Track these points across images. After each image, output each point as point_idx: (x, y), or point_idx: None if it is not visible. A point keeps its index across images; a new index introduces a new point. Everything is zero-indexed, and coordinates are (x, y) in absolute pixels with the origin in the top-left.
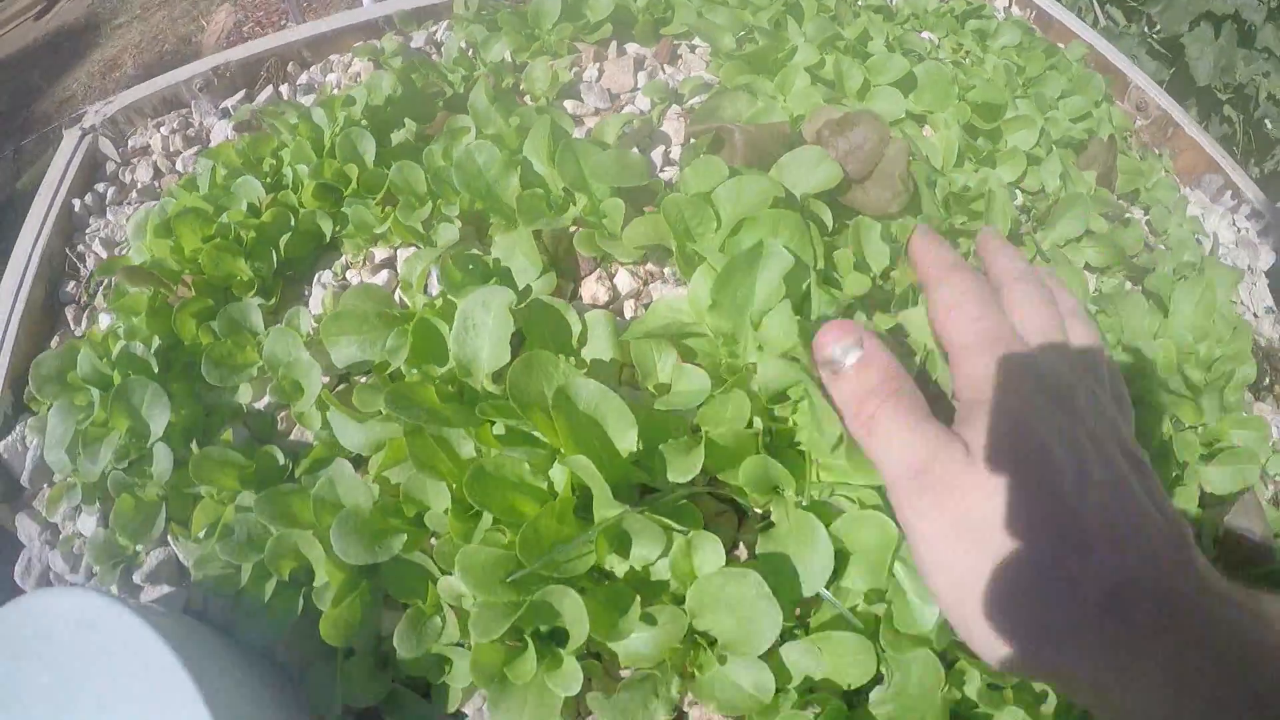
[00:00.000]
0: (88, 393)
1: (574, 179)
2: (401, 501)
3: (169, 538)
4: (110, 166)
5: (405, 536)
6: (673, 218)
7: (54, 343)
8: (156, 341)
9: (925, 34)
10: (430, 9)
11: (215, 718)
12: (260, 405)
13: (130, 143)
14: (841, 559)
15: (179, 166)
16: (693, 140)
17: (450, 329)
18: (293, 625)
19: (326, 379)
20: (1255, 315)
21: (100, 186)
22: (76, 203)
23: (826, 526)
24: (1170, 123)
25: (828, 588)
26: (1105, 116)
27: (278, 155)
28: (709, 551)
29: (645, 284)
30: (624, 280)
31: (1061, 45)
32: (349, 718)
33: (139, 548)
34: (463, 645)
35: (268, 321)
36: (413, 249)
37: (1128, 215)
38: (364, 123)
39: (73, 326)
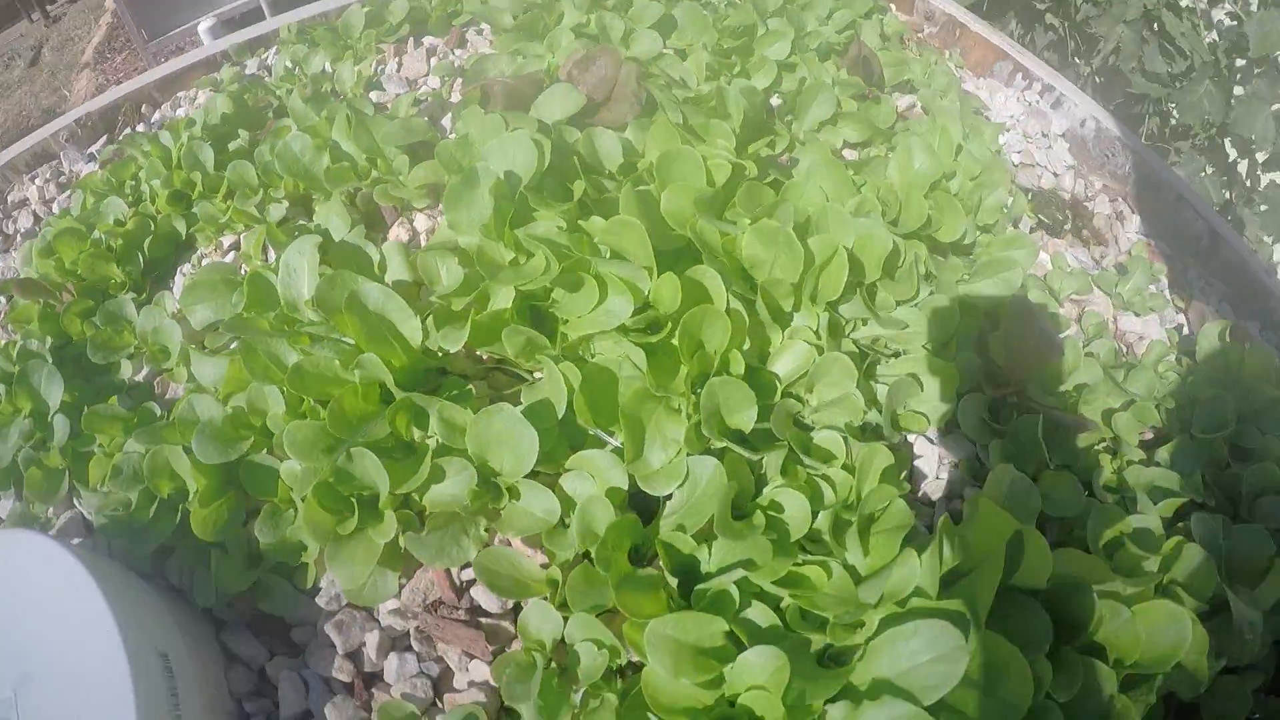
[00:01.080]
0: None
1: (369, 147)
2: (247, 413)
3: (74, 499)
4: None
5: (252, 439)
6: (443, 159)
7: None
8: (49, 341)
9: None
10: (261, 38)
11: (114, 613)
12: (139, 378)
13: (9, 198)
14: (593, 395)
15: (54, 209)
16: (463, 98)
17: (277, 279)
18: (177, 539)
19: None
20: (1055, 174)
21: None
22: None
23: (566, 376)
24: (956, 24)
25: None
26: (874, 26)
27: (136, 177)
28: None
29: (437, 223)
30: (421, 222)
31: None
32: (246, 610)
33: (50, 511)
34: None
35: (140, 313)
36: (252, 227)
37: (881, 97)
38: (203, 139)
39: None
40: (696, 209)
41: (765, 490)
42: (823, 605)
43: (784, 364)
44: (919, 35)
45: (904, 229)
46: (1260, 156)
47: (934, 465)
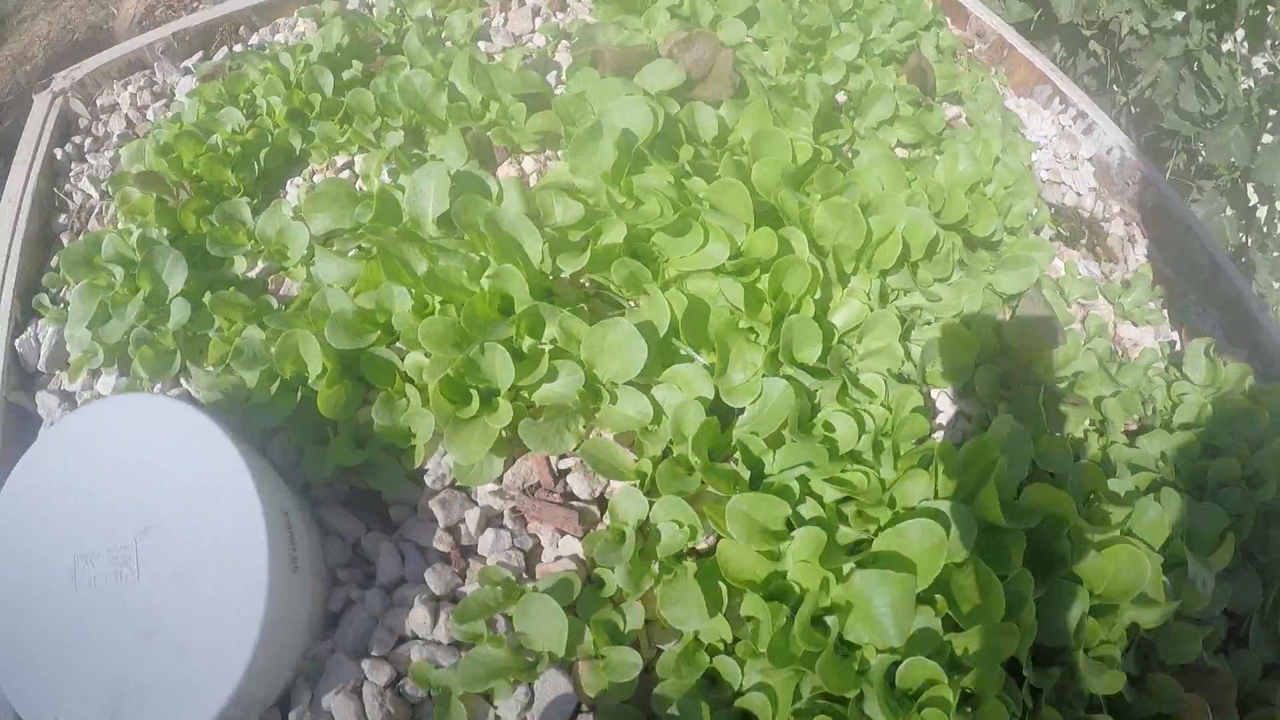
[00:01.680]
0: (109, 274)
1: (488, 92)
2: (374, 311)
3: (181, 379)
4: (83, 122)
5: (378, 334)
6: (560, 111)
7: (53, 263)
8: (165, 232)
9: None
10: None
11: (250, 469)
12: (253, 274)
13: (98, 101)
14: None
15: (149, 117)
16: (574, 60)
17: (403, 197)
18: (291, 418)
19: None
20: (1079, 194)
21: (76, 138)
22: (58, 152)
23: (672, 304)
24: (1004, 44)
25: (676, 342)
26: (932, 38)
27: (251, 92)
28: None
29: (543, 166)
30: (529, 164)
31: None
32: (341, 492)
33: (157, 389)
34: (424, 411)
35: (259, 216)
36: (367, 151)
37: (934, 105)
38: (321, 64)
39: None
40: (782, 181)
41: (820, 414)
42: (860, 502)
43: (841, 316)
44: (970, 51)
45: (945, 220)
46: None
47: (950, 417)
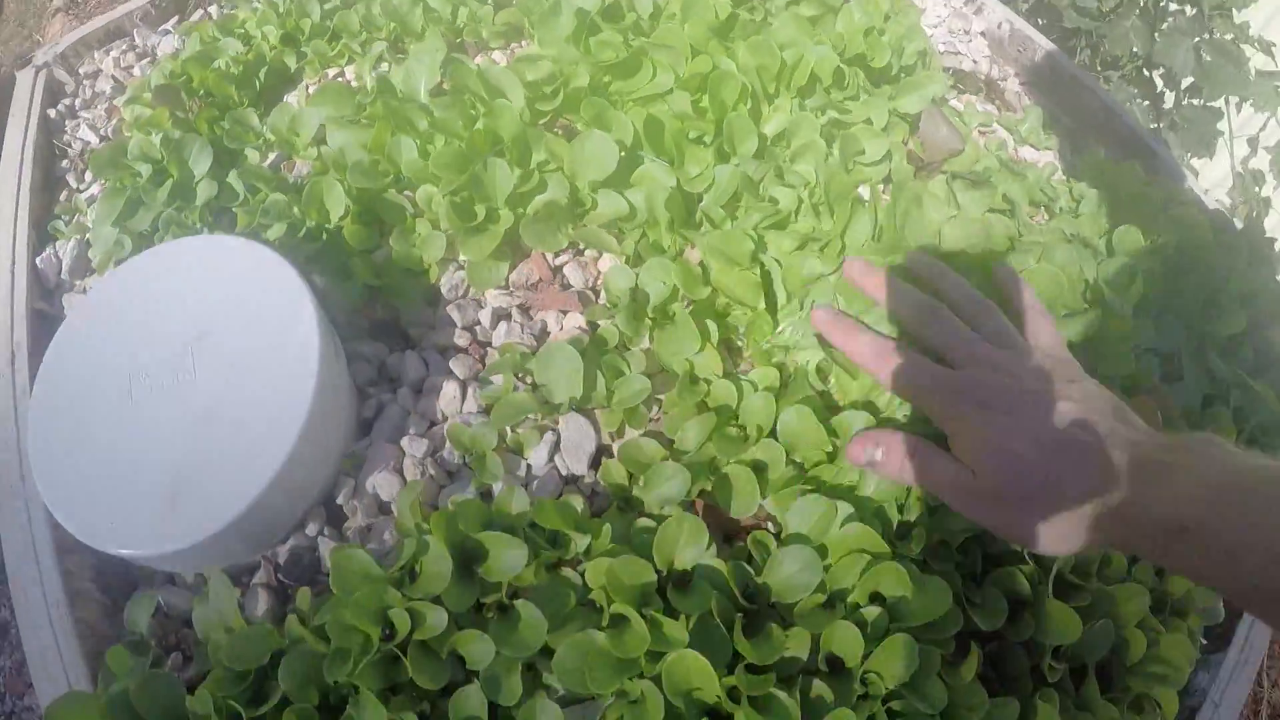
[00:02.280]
0: (135, 171)
1: (457, 1)
2: (385, 159)
3: None
4: (69, 88)
5: (390, 177)
6: (521, 6)
7: (64, 195)
8: (180, 134)
9: None
10: None
11: (300, 278)
12: (265, 165)
13: (80, 70)
14: (649, 133)
15: (135, 74)
16: None
17: (398, 80)
18: (315, 257)
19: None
20: (975, 61)
21: (66, 100)
22: (51, 112)
23: (633, 122)
24: None
25: (640, 153)
26: None
27: (244, 26)
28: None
29: (510, 56)
30: (497, 56)
31: None
32: (361, 327)
33: None
34: (435, 234)
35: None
36: (355, 63)
37: None
38: None
39: (74, 185)
40: (709, 33)
41: (764, 190)
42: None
43: (770, 126)
44: None
45: (846, 57)
46: (1184, 84)
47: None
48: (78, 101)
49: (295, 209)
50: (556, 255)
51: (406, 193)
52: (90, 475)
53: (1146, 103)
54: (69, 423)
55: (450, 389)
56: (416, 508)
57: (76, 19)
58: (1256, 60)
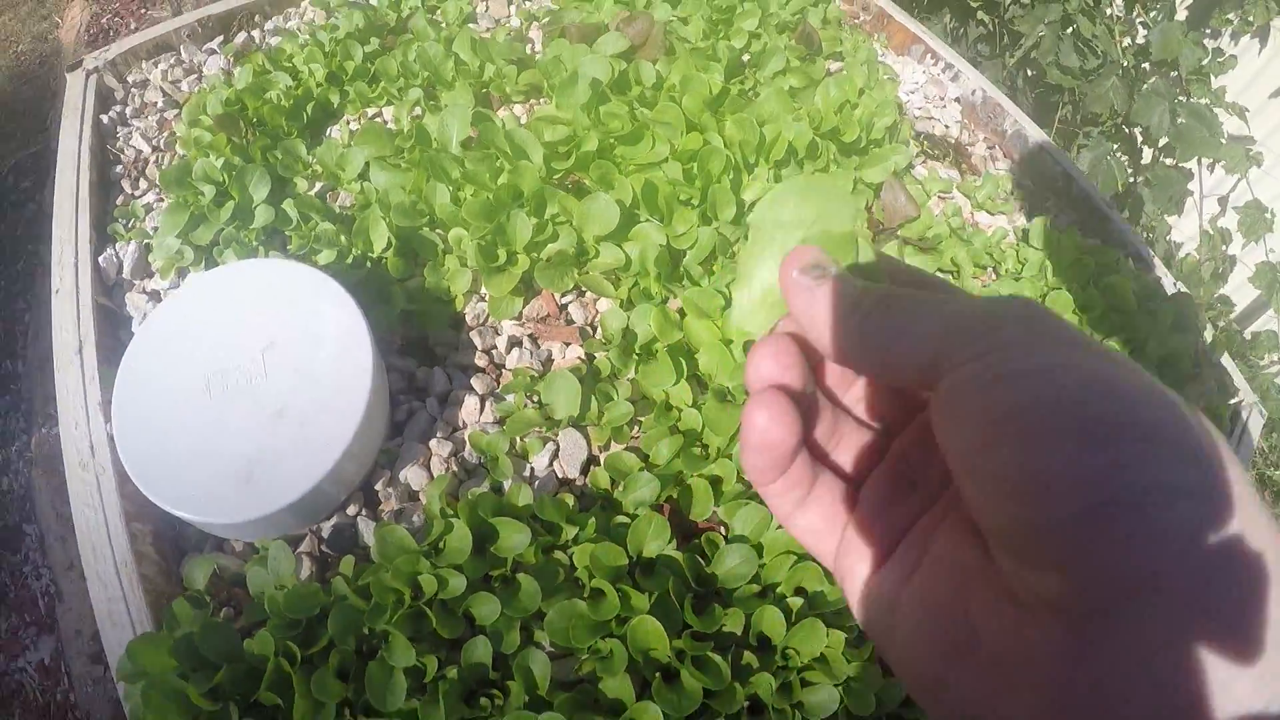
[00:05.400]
0: (198, 190)
1: (485, 58)
2: (422, 201)
3: None
4: (119, 95)
5: (427, 218)
6: (543, 69)
7: (120, 199)
8: (237, 160)
9: None
10: None
11: (355, 302)
12: (314, 192)
13: (130, 79)
14: (646, 197)
15: (183, 89)
16: (547, 36)
17: (433, 128)
18: (360, 284)
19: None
20: (947, 126)
21: (117, 108)
22: (104, 117)
23: (633, 186)
24: (885, 15)
25: (637, 213)
26: (819, 12)
27: (291, 61)
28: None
29: (529, 111)
30: (518, 110)
31: None
32: (395, 344)
33: None
34: (462, 270)
35: (320, 146)
36: (393, 105)
37: (818, 60)
38: (346, 34)
39: (129, 190)
40: (703, 106)
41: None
42: None
43: (749, 194)
44: (854, 21)
45: (821, 130)
46: (1161, 142)
47: None
48: (128, 110)
49: (343, 237)
50: (563, 295)
51: (439, 231)
52: (174, 456)
53: (1125, 158)
54: (151, 412)
55: (471, 402)
56: (443, 496)
57: (97, 3)
58: (1232, 124)
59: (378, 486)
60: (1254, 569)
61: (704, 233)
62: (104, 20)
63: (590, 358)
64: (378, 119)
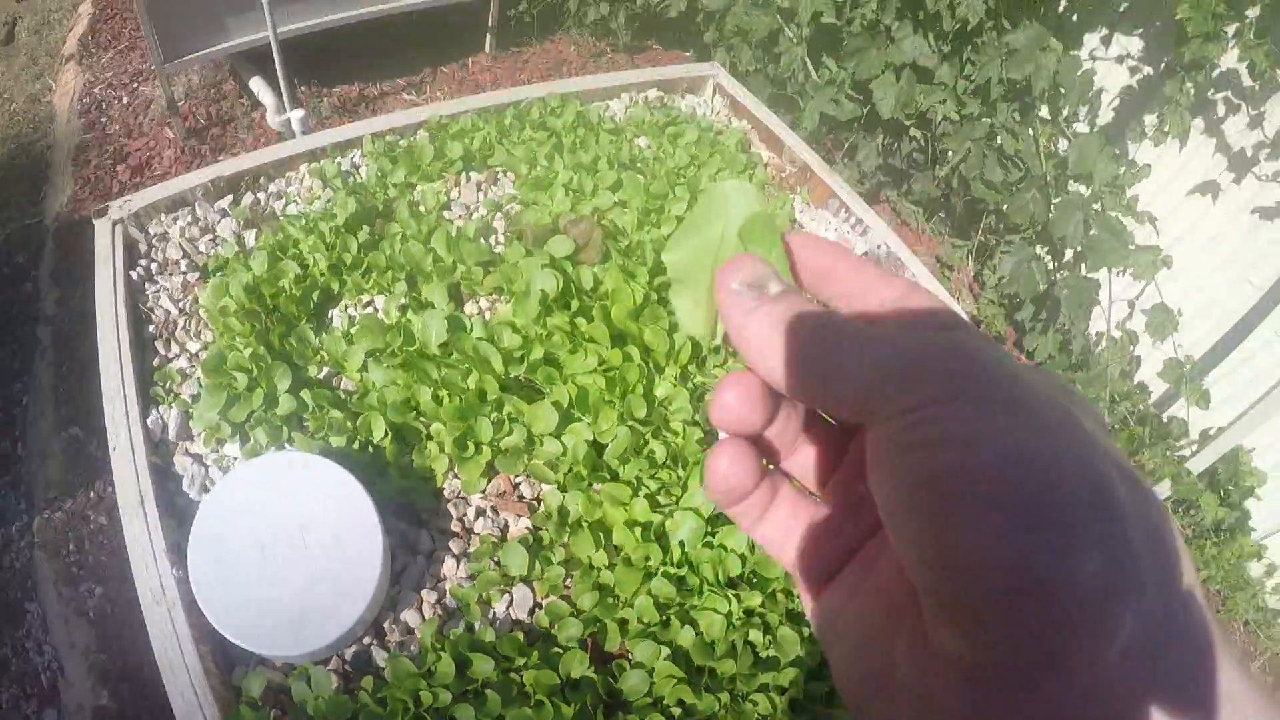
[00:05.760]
0: (232, 377)
1: (457, 257)
2: (409, 399)
3: (285, 444)
4: (142, 248)
5: (414, 413)
6: (503, 274)
7: (156, 362)
8: (262, 349)
9: (641, 139)
10: (348, 142)
11: (367, 493)
12: (321, 375)
13: (151, 230)
14: (579, 400)
15: (200, 248)
16: (508, 234)
17: (416, 328)
18: (365, 464)
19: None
20: None
21: (142, 262)
22: (133, 274)
23: (569, 392)
24: (809, 170)
25: (573, 411)
26: (747, 176)
27: (297, 247)
28: None
29: (494, 304)
30: (483, 303)
31: (737, 122)
32: (391, 509)
33: (271, 449)
34: (441, 455)
35: (322, 337)
36: (383, 295)
37: None
38: (345, 229)
39: (162, 351)
40: (628, 315)
41: (646, 445)
42: (667, 483)
43: (660, 391)
44: (781, 174)
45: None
46: (1076, 250)
47: None
48: (153, 266)
49: (349, 424)
50: (515, 476)
51: (423, 419)
52: (241, 604)
53: (1049, 258)
54: (220, 570)
55: (450, 561)
56: (433, 633)
57: (89, 69)
58: (1143, 232)
59: (385, 624)
60: (1177, 653)
61: (621, 431)
62: (96, 91)
63: (536, 528)
64: (370, 306)
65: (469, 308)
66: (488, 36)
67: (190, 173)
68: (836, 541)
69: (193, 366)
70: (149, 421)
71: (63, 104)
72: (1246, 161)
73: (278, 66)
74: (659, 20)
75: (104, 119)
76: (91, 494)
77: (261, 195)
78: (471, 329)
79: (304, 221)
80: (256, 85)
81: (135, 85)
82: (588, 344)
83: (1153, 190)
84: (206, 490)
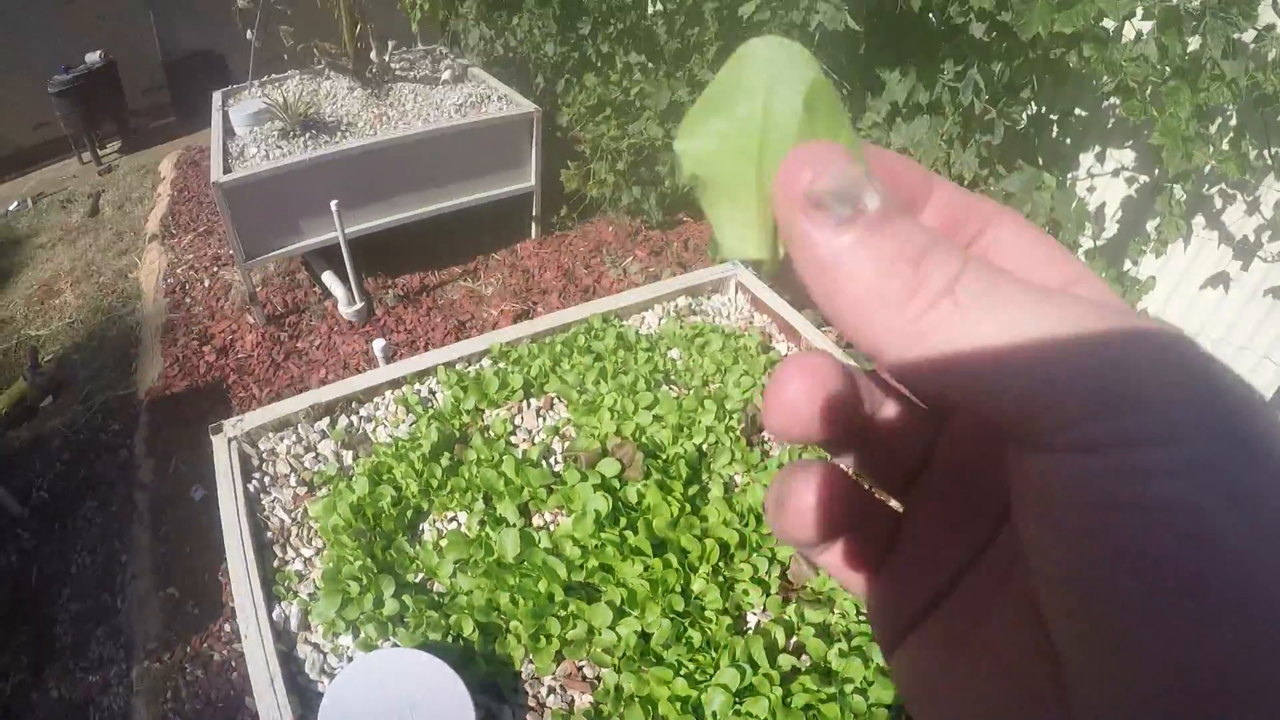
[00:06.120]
0: (346, 584)
1: (525, 481)
2: (494, 597)
3: (391, 637)
4: (254, 461)
5: (496, 612)
6: (562, 496)
7: (274, 565)
8: (368, 560)
9: (674, 351)
10: (425, 371)
11: (462, 680)
12: (417, 579)
13: (260, 446)
14: (628, 599)
15: (305, 464)
16: (566, 455)
17: (495, 542)
18: (458, 655)
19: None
20: None
21: (256, 475)
22: (251, 485)
23: (621, 592)
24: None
25: (624, 608)
26: (762, 387)
27: (392, 473)
28: None
29: (557, 518)
30: (548, 515)
31: (759, 317)
32: (475, 685)
33: (383, 643)
34: (519, 645)
35: (417, 548)
36: (465, 511)
37: (757, 441)
38: (430, 456)
39: (280, 555)
40: (666, 526)
41: (685, 631)
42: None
43: (695, 587)
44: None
45: (749, 529)
46: None
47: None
48: (266, 479)
49: (444, 622)
50: (579, 661)
51: (503, 616)
52: None
53: None
54: None
55: None
56: None
57: (170, 250)
58: None
59: None
60: None
61: (664, 623)
62: (179, 271)
63: (596, 704)
64: (454, 521)
65: (536, 520)
66: (533, 224)
67: (292, 398)
68: (926, 575)
69: (308, 569)
70: (274, 615)
71: (148, 282)
72: (1251, 246)
73: (346, 263)
74: (687, 197)
75: (188, 299)
76: (189, 649)
77: (354, 418)
78: (539, 542)
79: (395, 448)
80: (328, 279)
81: (215, 269)
82: (634, 555)
83: (1166, 293)
84: (325, 673)
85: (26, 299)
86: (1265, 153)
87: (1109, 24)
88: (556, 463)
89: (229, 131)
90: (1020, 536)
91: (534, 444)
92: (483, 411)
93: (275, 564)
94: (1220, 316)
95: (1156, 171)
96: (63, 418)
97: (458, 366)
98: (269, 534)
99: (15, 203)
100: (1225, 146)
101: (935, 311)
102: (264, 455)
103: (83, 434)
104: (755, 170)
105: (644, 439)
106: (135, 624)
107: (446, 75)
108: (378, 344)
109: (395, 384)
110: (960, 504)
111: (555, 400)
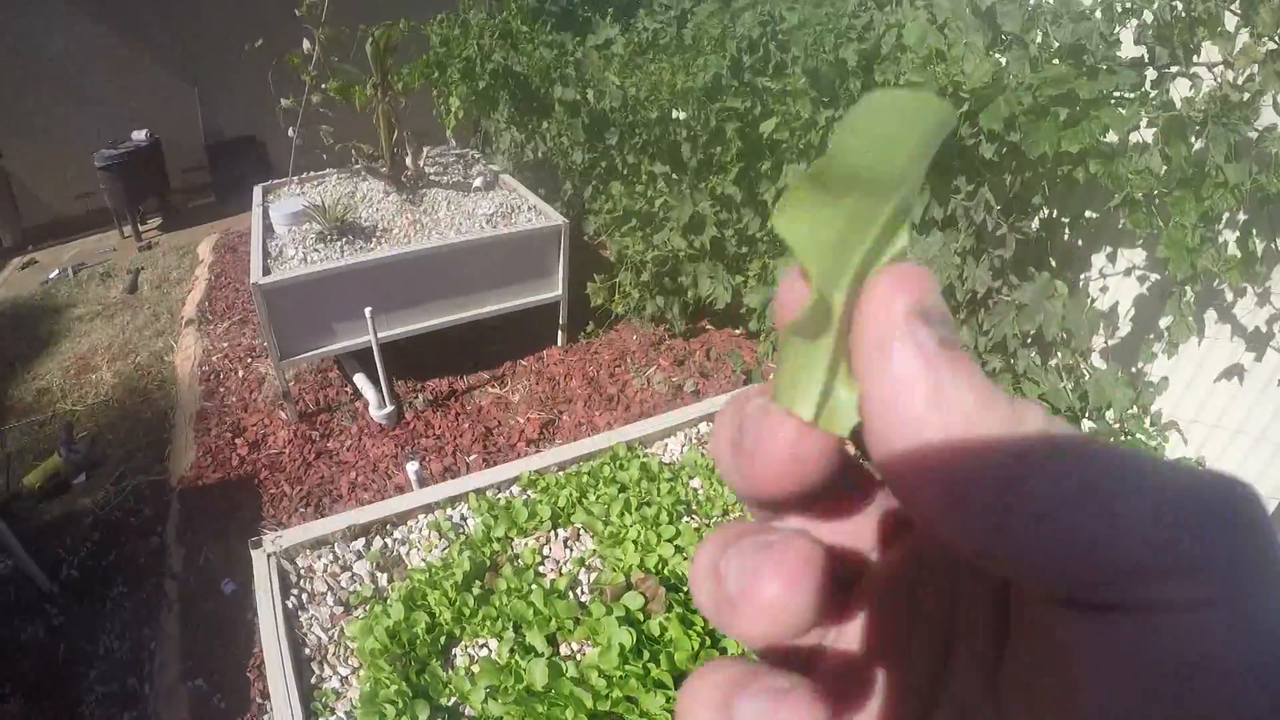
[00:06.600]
0: (381, 709)
1: (552, 612)
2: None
3: None
4: (292, 577)
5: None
6: (589, 626)
7: (312, 681)
8: (404, 685)
9: (695, 480)
10: (457, 496)
11: None
12: (450, 703)
13: (298, 561)
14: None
15: (342, 584)
16: (592, 587)
17: (524, 670)
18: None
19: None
20: None
21: (294, 592)
22: (288, 602)
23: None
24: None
25: None
26: None
27: (426, 599)
28: None
29: (583, 647)
30: (575, 645)
31: None
32: None
33: None
34: None
35: (455, 669)
36: (495, 639)
37: None
38: (462, 583)
39: (318, 672)
40: (689, 659)
41: None
42: None
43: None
44: None
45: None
46: None
47: None
48: (304, 595)
49: None
50: None
51: None
52: None
53: None
54: None
55: None
56: None
57: (206, 336)
58: (1174, 439)
59: None
60: None
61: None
62: (214, 360)
63: None
64: (485, 648)
65: (563, 649)
66: (560, 332)
67: (329, 518)
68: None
69: (344, 687)
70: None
71: (183, 368)
72: (1263, 337)
73: (378, 367)
74: (709, 306)
75: (222, 389)
76: None
77: (389, 540)
78: (567, 671)
79: (429, 574)
80: (360, 381)
81: (250, 360)
82: (656, 687)
83: (1180, 391)
84: None
85: (64, 371)
86: (1274, 243)
87: (1113, 137)
88: (583, 593)
89: (268, 229)
90: (1047, 693)
91: (561, 574)
92: (512, 540)
93: (313, 680)
94: (1236, 408)
95: (1167, 271)
96: (94, 497)
97: (488, 493)
98: (306, 650)
99: (56, 271)
100: (1232, 245)
101: (1048, 472)
102: (301, 572)
103: (114, 515)
104: (857, 253)
105: (666, 571)
106: (162, 712)
107: (479, 182)
108: (411, 467)
109: (428, 509)
110: (906, 632)
111: (581, 531)
